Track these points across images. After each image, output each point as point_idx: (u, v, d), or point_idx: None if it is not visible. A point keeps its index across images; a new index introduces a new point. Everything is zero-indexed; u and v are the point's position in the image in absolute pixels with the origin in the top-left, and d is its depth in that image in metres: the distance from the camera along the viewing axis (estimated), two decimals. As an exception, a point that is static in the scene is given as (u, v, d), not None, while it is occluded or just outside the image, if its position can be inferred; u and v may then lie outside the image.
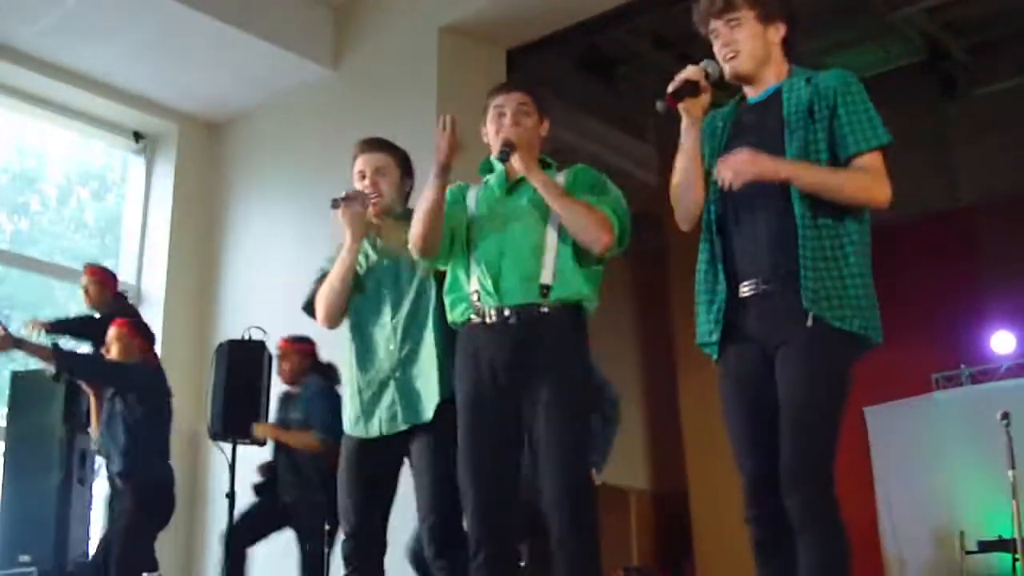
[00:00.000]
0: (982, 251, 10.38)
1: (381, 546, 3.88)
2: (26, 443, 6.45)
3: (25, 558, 6.30)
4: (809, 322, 3.00)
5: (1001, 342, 10.29)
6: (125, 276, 8.49)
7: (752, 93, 3.29)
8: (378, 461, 3.82)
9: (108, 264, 7.37)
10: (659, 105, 3.13)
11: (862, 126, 3.08)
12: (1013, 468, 7.34)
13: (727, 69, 3.22)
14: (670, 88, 3.13)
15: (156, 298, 8.39)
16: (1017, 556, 7.62)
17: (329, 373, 5.86)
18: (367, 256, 3.96)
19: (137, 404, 5.70)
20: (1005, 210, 10.10)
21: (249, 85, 8.30)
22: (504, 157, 3.56)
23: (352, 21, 8.16)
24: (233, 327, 6.95)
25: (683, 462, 10.88)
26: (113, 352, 5.87)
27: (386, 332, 3.83)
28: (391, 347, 3.81)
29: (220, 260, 8.52)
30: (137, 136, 8.77)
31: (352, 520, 3.78)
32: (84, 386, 5.90)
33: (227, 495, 5.66)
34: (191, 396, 6.92)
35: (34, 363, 6.37)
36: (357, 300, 3.92)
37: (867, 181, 3.05)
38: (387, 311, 3.85)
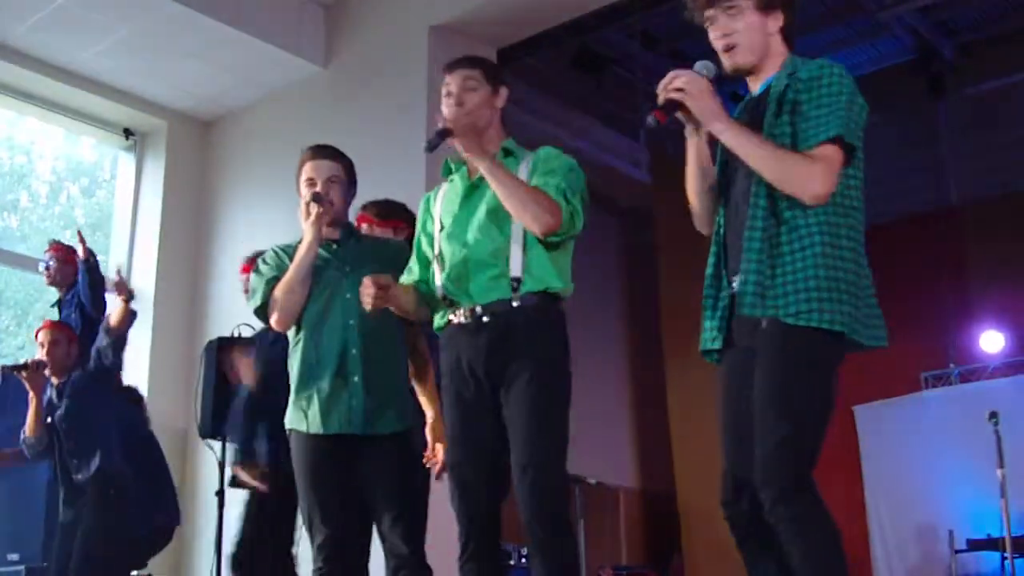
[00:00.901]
0: (971, 250, 10.40)
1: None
2: (14, 440, 6.43)
3: (14, 556, 6.29)
4: (763, 324, 2.92)
5: (990, 341, 10.31)
6: (114, 273, 8.48)
7: (753, 87, 3.18)
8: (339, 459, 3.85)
9: (99, 260, 7.34)
10: (649, 120, 2.99)
11: (820, 119, 2.90)
12: (1002, 467, 7.38)
13: (725, 62, 3.12)
14: (658, 102, 2.99)
15: (146, 295, 8.37)
16: (1006, 554, 7.65)
17: None
18: (324, 259, 3.99)
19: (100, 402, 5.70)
20: (994, 209, 10.12)
21: (240, 82, 8.29)
22: (431, 147, 3.53)
23: (343, 19, 8.15)
24: (223, 324, 6.95)
25: (672, 461, 10.89)
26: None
27: (342, 335, 3.87)
28: (353, 351, 3.85)
29: (210, 257, 8.52)
30: (127, 133, 8.76)
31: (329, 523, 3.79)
32: (27, 385, 5.76)
33: (216, 493, 5.65)
34: (181, 393, 6.91)
35: (21, 358, 6.35)
36: (313, 303, 3.93)
37: (803, 168, 2.86)
38: (343, 313, 3.89)
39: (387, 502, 3.78)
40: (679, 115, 3.02)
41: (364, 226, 4.59)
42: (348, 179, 4.10)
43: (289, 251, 4.01)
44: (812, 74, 2.98)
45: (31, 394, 5.70)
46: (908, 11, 9.26)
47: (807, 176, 2.86)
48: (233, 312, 5.71)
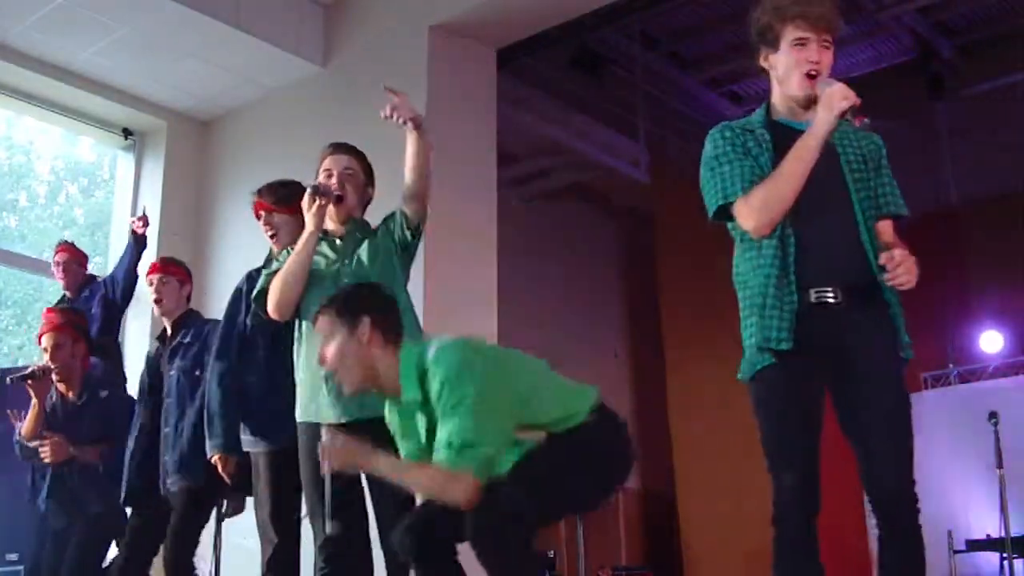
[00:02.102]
0: (971, 251, 10.41)
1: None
2: (11, 440, 6.42)
3: (13, 556, 6.28)
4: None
5: (989, 342, 10.32)
6: (114, 273, 8.49)
7: (796, 117, 3.26)
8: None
9: (97, 261, 7.35)
10: (867, 121, 3.08)
11: (896, 191, 3.28)
12: (1001, 467, 7.38)
13: (807, 85, 3.19)
14: (851, 108, 3.07)
15: (145, 294, 8.35)
16: (1005, 555, 7.65)
17: None
18: (324, 256, 4.01)
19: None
20: (993, 210, 10.13)
21: (239, 82, 8.29)
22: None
23: (342, 19, 8.15)
24: (222, 324, 6.93)
25: (671, 462, 10.89)
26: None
27: None
28: None
29: (209, 257, 8.50)
30: (126, 132, 8.74)
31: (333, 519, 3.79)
32: (32, 392, 5.65)
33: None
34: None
35: (13, 361, 6.32)
36: (312, 294, 3.92)
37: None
38: None
39: (393, 497, 3.70)
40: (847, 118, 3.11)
41: (263, 213, 4.55)
42: (365, 176, 4.19)
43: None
44: (877, 141, 3.28)
45: (33, 399, 5.65)
46: (907, 11, 9.26)
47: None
48: (232, 312, 5.69)
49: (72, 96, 8.25)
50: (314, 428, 3.82)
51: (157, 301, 5.37)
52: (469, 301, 6.92)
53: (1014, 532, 7.53)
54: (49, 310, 5.96)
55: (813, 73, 3.18)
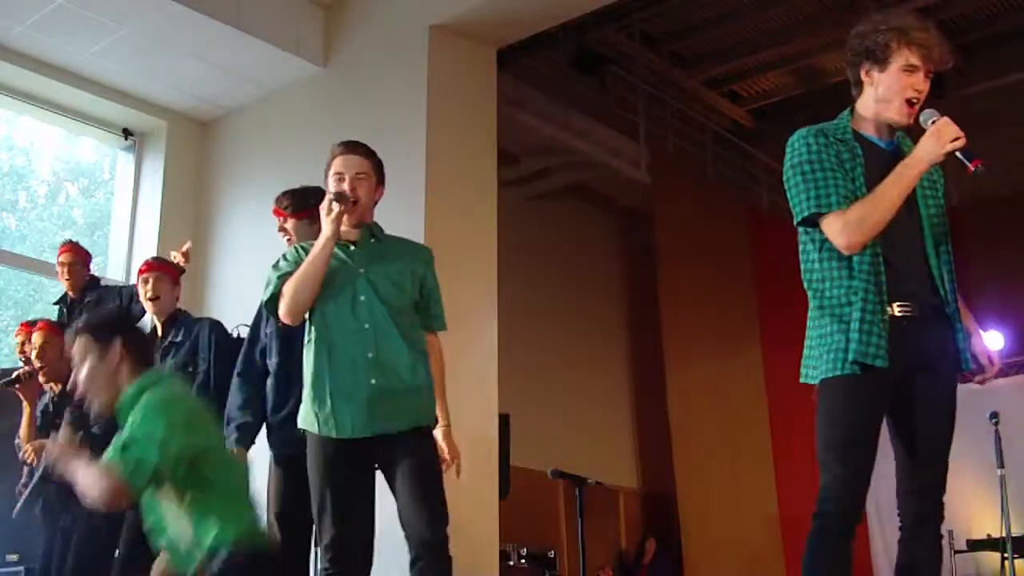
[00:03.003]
0: (971, 250, 10.39)
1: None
2: (10, 441, 6.41)
3: (13, 557, 6.28)
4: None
5: (989, 341, 10.30)
6: (113, 273, 8.48)
7: (881, 136, 3.36)
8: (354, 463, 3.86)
9: (97, 261, 7.33)
10: (981, 168, 3.19)
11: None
12: (1002, 467, 7.37)
13: (907, 113, 3.28)
14: (962, 148, 3.18)
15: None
16: (1006, 555, 7.64)
17: None
18: (338, 260, 3.96)
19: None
20: (993, 210, 10.13)
21: (239, 82, 8.28)
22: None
23: (342, 19, 8.14)
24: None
25: (671, 462, 10.88)
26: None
27: (356, 338, 3.86)
28: (369, 354, 3.82)
29: (209, 257, 8.50)
30: (126, 133, 8.74)
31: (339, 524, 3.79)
32: (21, 397, 5.70)
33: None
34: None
35: (13, 361, 6.31)
36: (326, 301, 3.92)
37: None
38: (356, 316, 3.88)
39: (410, 487, 3.75)
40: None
41: (280, 220, 4.60)
42: (377, 178, 4.08)
43: (309, 249, 3.98)
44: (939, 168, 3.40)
45: (24, 403, 5.65)
46: (907, 12, 9.26)
47: None
48: (231, 312, 5.69)
49: (72, 96, 8.25)
50: (321, 439, 3.84)
51: (154, 299, 5.40)
52: (469, 302, 6.92)
53: (1015, 532, 7.52)
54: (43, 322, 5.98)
55: (914, 101, 3.25)
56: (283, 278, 3.94)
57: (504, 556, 8.87)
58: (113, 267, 8.57)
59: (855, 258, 3.19)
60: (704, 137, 11.72)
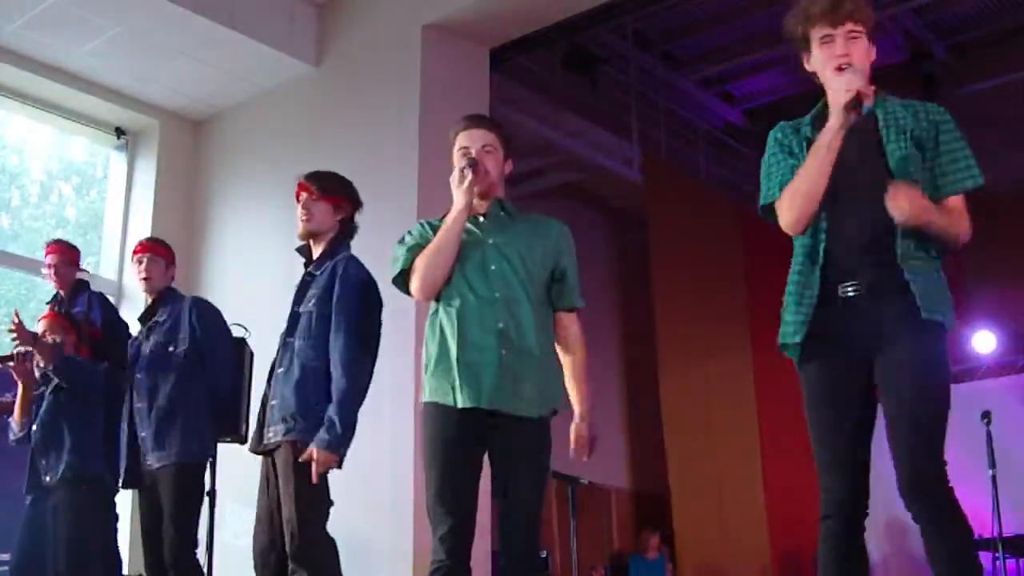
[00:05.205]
0: (964, 250, 10.40)
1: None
2: (5, 437, 6.41)
3: (4, 556, 6.27)
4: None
5: (982, 341, 10.32)
6: (106, 273, 8.48)
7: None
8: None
9: (90, 260, 7.32)
10: (866, 108, 3.15)
11: (961, 163, 3.32)
12: (994, 467, 7.39)
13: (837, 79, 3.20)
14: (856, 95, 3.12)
15: (137, 295, 8.34)
16: (997, 555, 7.65)
17: None
18: (468, 232, 3.83)
19: (88, 401, 5.63)
20: (986, 209, 10.12)
21: (232, 81, 8.28)
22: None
23: (336, 18, 8.15)
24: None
25: (664, 461, 10.89)
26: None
27: (486, 309, 3.73)
28: (499, 324, 3.71)
29: (202, 257, 8.50)
30: (119, 132, 8.74)
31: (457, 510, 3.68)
32: (15, 376, 5.71)
33: (207, 493, 5.63)
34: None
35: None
36: (455, 275, 3.79)
37: (961, 222, 3.35)
38: (486, 287, 3.76)
39: (517, 488, 3.66)
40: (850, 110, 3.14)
41: (302, 195, 4.44)
42: (504, 150, 3.94)
43: (435, 224, 3.88)
44: (941, 116, 3.26)
45: (19, 383, 5.69)
46: (901, 11, 9.28)
47: (963, 227, 3.47)
48: (225, 311, 5.68)
49: (65, 95, 8.25)
50: (444, 409, 3.69)
51: (146, 279, 5.50)
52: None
53: (1006, 532, 7.54)
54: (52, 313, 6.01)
55: (843, 66, 3.19)
56: (413, 250, 3.82)
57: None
58: (105, 266, 8.57)
59: (796, 241, 3.26)
60: (697, 137, 11.73)
